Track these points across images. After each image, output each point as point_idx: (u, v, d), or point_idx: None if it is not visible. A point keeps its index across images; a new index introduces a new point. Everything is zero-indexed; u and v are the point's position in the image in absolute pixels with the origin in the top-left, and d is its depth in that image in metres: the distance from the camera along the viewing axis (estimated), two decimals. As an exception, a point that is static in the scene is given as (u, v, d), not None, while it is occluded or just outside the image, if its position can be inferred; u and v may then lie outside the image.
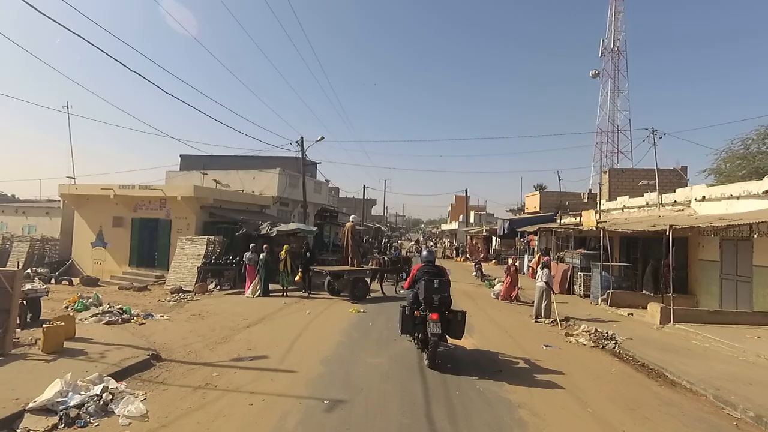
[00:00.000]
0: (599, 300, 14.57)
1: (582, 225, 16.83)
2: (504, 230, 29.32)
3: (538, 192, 30.10)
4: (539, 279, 12.41)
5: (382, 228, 65.64)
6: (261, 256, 14.59)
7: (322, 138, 23.31)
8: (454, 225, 68.00)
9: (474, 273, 24.26)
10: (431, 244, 52.59)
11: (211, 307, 11.96)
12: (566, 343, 9.67)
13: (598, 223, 15.49)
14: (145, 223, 18.66)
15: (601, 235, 14.74)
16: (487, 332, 10.38)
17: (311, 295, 14.63)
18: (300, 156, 23.40)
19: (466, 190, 51.68)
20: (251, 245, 14.74)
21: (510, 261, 15.80)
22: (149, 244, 18.45)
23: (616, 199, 21.11)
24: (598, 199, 32.43)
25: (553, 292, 12.54)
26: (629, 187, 29.27)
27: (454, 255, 43.54)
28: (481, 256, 36.89)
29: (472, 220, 55.94)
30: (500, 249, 36.85)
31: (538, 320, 12.06)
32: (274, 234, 16.12)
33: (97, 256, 19.66)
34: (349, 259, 17.82)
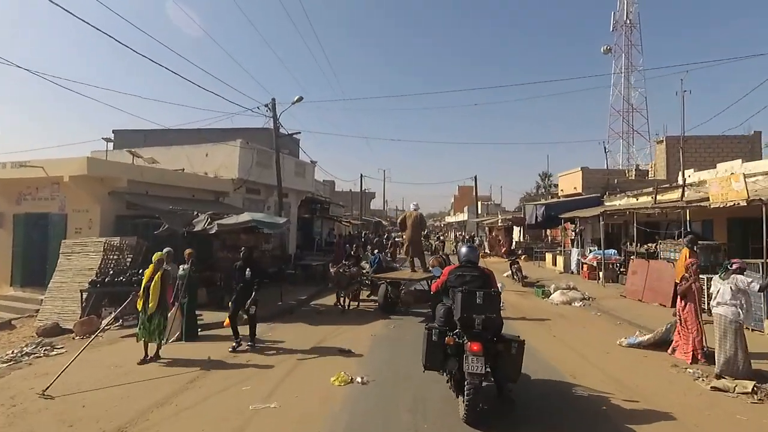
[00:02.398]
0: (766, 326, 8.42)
1: (710, 200, 10.60)
2: (536, 218, 23.14)
3: (579, 169, 23.89)
4: (720, 299, 6.21)
5: (383, 222, 59.62)
6: (182, 270, 8.44)
7: (301, 99, 17.07)
8: (462, 216, 62.09)
9: (510, 274, 18.05)
10: (440, 236, 46.25)
11: (50, 384, 5.72)
12: None
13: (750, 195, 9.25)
14: (33, 220, 12.44)
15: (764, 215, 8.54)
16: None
17: (255, 345, 7.78)
18: (272, 127, 17.19)
19: (476, 177, 45.24)
20: (165, 250, 8.56)
21: (691, 264, 7.06)
22: (39, 252, 12.22)
23: (714, 167, 15.03)
24: (652, 174, 26.41)
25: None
26: (691, 159, 23.41)
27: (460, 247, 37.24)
28: (503, 250, 30.91)
29: (479, 210, 49.95)
30: (527, 242, 30.68)
31: (717, 384, 5.92)
32: (214, 230, 9.92)
33: (-25, 271, 13.47)
34: (412, 258, 12.06)
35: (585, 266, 18.03)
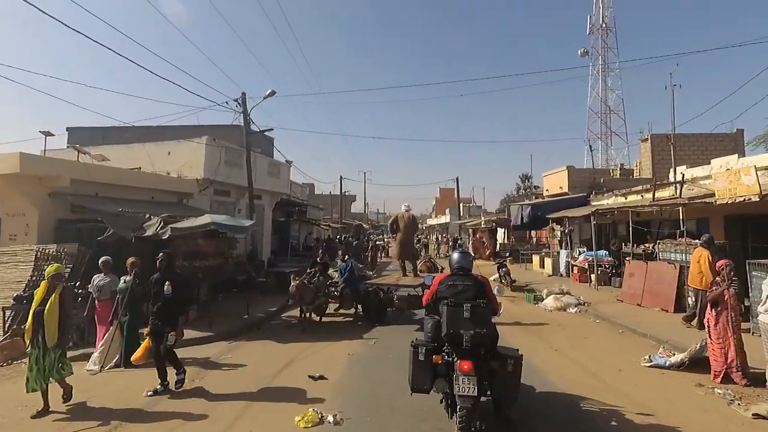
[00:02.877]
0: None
1: (716, 196, 9.74)
2: (522, 219, 22.32)
3: (565, 168, 23.17)
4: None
5: (364, 225, 58.48)
6: (123, 282, 7.16)
7: (273, 93, 15.86)
8: (444, 218, 61.36)
9: (498, 278, 17.05)
10: (420, 238, 45.23)
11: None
12: None
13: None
14: (-38, 226, 10.90)
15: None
16: None
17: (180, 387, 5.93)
18: (242, 123, 15.92)
19: (457, 179, 44.52)
20: (102, 260, 7.26)
21: (725, 266, 6.12)
22: (-31, 262, 10.68)
23: (702, 164, 14.30)
24: (637, 173, 25.87)
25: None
26: (676, 157, 22.95)
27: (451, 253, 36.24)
28: (488, 252, 30.03)
29: (461, 212, 49.31)
30: (512, 243, 29.93)
31: (759, 410, 4.96)
32: (167, 235, 8.61)
33: None
34: (404, 262, 11.69)
35: (575, 268, 17.22)
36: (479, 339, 4.14)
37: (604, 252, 16.17)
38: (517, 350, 4.52)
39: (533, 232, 30.75)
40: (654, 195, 12.91)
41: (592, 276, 15.58)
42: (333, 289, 10.63)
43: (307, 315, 9.70)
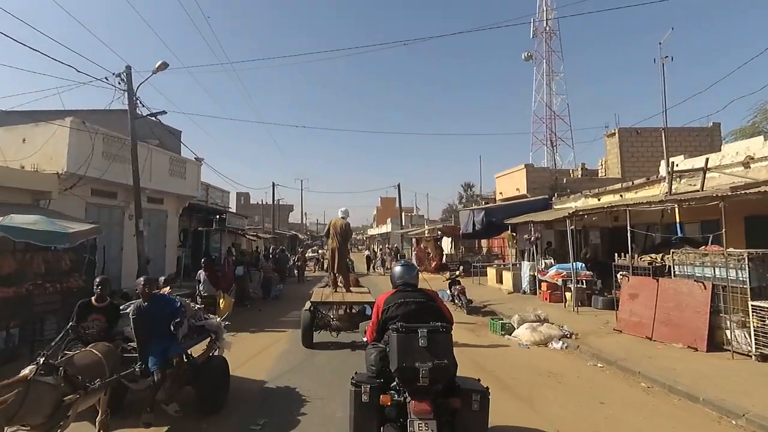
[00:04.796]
0: None
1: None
2: (474, 225, 19.71)
3: (523, 166, 20.83)
4: None
5: (300, 236, 54.46)
6: None
7: (166, 65, 11.94)
8: (385, 228, 58.69)
9: (449, 297, 13.94)
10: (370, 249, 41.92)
11: None
12: None
13: None
14: None
15: None
16: None
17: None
18: (125, 104, 11.94)
19: (399, 186, 41.83)
20: None
21: None
22: None
23: (723, 150, 11.98)
24: (603, 172, 24.03)
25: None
26: (647, 154, 21.43)
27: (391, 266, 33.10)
28: (433, 264, 27.19)
29: (403, 221, 46.89)
30: (462, 254, 27.36)
31: None
32: None
33: None
34: (335, 274, 10.36)
35: (544, 285, 14.54)
36: (439, 373, 3.29)
37: (581, 264, 13.62)
38: (478, 380, 3.69)
39: (484, 242, 28.44)
40: (670, 189, 10.39)
41: (568, 294, 12.99)
42: (134, 366, 4.88)
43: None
